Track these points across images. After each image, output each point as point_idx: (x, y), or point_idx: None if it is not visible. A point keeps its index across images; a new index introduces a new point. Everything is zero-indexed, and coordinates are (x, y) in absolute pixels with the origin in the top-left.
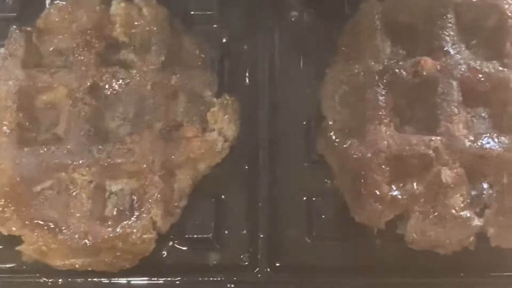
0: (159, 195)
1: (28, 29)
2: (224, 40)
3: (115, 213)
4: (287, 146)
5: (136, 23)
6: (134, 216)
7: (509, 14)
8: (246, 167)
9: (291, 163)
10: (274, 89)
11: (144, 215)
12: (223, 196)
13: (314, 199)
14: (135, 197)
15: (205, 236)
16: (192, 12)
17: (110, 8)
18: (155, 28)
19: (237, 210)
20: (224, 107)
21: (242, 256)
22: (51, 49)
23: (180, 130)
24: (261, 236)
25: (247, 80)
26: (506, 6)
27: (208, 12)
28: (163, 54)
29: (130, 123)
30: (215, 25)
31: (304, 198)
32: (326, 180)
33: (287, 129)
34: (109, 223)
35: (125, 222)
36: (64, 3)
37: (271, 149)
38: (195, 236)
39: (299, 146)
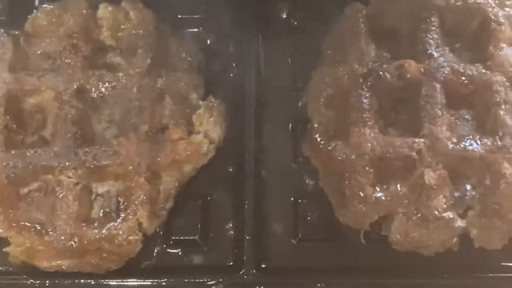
0: (145, 197)
1: (16, 33)
2: (210, 43)
3: (101, 214)
4: (273, 148)
5: (122, 26)
6: (120, 218)
7: (492, 17)
8: (232, 169)
9: (277, 165)
10: (260, 91)
11: (130, 217)
12: (209, 198)
13: (299, 200)
14: (121, 199)
15: (191, 237)
16: (179, 16)
17: (97, 12)
18: (141, 32)
19: (223, 212)
20: (209, 109)
21: (228, 258)
22: (38, 52)
23: (166, 132)
24: (247, 237)
25: (233, 82)
26: (489, 9)
27: (195, 16)
28: (149, 57)
29: (116, 126)
30: (201, 28)
31: (290, 200)
32: (311, 182)
33: (273, 131)
34: (95, 224)
35: (111, 224)
36: (51, 6)
37: (257, 151)
38: (181, 237)
39: (285, 148)
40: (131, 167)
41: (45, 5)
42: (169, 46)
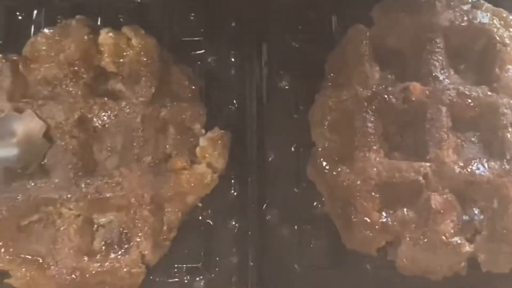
0: (148, 229)
1: (14, 58)
2: (211, 67)
3: (103, 246)
4: (276, 172)
5: (124, 53)
6: (123, 250)
7: (497, 38)
8: (235, 194)
9: (280, 190)
10: (262, 115)
11: (133, 250)
12: (212, 224)
13: (304, 226)
14: (124, 230)
15: (194, 265)
16: (181, 39)
17: (99, 38)
18: (144, 59)
19: (226, 239)
20: (213, 142)
21: (231, 285)
22: (38, 77)
23: (168, 162)
24: (251, 264)
25: (235, 107)
26: (495, 30)
27: (195, 38)
28: (154, 86)
29: (118, 155)
30: (202, 51)
31: (294, 225)
32: (316, 207)
33: (276, 155)
34: (97, 257)
35: (113, 256)
36: (51, 31)
37: (260, 176)
38: (184, 265)
39: (288, 172)
40: (134, 199)
41: (45, 30)
42: (171, 74)
